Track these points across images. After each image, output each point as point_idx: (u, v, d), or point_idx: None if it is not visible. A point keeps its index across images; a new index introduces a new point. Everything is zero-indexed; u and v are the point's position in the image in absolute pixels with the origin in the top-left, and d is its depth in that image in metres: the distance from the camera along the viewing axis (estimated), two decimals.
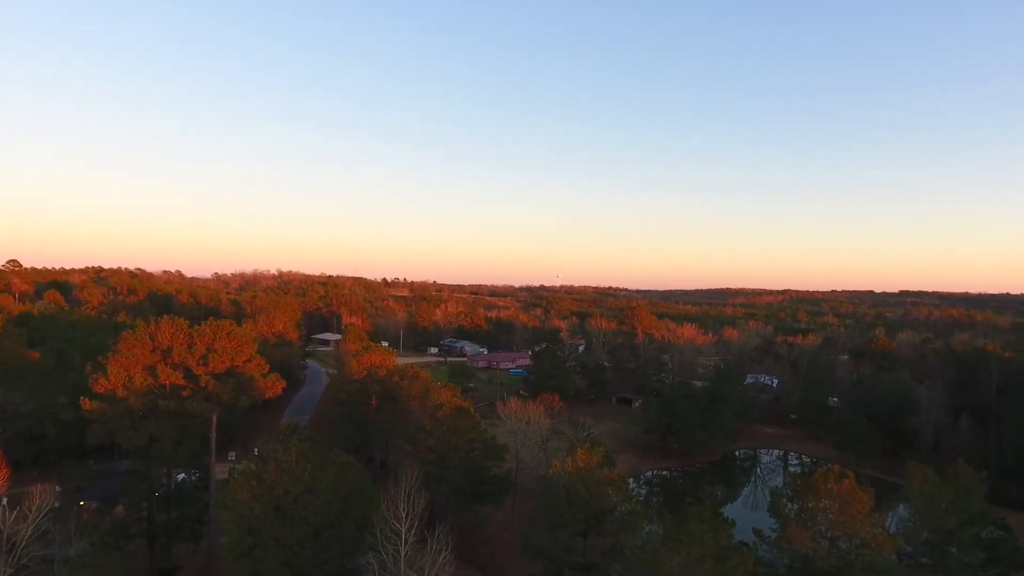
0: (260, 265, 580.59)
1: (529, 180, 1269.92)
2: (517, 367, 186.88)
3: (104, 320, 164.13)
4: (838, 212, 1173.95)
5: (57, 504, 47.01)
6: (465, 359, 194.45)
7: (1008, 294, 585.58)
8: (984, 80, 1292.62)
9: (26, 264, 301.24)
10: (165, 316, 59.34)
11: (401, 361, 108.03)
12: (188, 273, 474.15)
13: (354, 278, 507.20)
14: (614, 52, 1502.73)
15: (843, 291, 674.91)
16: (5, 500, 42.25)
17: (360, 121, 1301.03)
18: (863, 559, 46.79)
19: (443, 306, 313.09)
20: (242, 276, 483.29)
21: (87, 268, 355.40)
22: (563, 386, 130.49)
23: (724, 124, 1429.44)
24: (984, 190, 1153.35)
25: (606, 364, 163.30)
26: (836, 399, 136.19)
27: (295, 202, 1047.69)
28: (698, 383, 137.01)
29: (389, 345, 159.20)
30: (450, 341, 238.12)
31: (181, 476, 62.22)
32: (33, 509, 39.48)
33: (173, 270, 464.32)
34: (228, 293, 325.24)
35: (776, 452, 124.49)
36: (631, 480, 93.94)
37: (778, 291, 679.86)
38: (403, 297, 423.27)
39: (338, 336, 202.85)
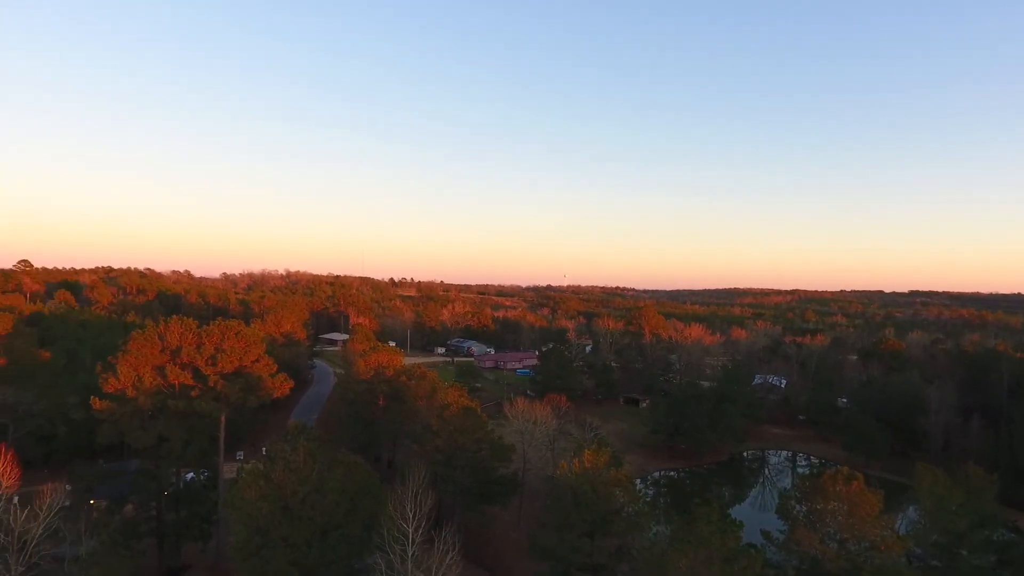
0: (268, 265, 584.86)
1: (536, 180, 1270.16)
2: (524, 367, 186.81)
3: (114, 320, 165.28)
4: (847, 212, 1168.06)
5: (68, 503, 47.34)
6: (472, 359, 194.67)
7: (1020, 294, 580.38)
8: (995, 78, 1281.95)
9: (37, 264, 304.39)
10: (174, 316, 59.68)
11: (408, 361, 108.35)
12: (197, 273, 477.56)
13: (361, 278, 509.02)
14: (620, 52, 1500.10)
15: (852, 291, 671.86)
16: (16, 499, 42.54)
17: (367, 121, 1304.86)
18: (872, 561, 46.44)
19: (450, 306, 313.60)
20: (250, 276, 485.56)
21: (97, 268, 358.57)
22: (570, 386, 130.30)
23: (732, 123, 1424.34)
24: (995, 189, 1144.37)
25: (613, 364, 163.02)
26: (845, 400, 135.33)
27: (302, 202, 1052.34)
28: (706, 383, 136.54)
29: (396, 345, 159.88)
30: (457, 341, 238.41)
31: (190, 475, 62.58)
32: (44, 508, 39.80)
33: (182, 270, 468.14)
34: (236, 293, 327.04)
35: (784, 453, 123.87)
36: (638, 481, 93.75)
37: (786, 291, 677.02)
38: (410, 297, 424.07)
39: (345, 336, 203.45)
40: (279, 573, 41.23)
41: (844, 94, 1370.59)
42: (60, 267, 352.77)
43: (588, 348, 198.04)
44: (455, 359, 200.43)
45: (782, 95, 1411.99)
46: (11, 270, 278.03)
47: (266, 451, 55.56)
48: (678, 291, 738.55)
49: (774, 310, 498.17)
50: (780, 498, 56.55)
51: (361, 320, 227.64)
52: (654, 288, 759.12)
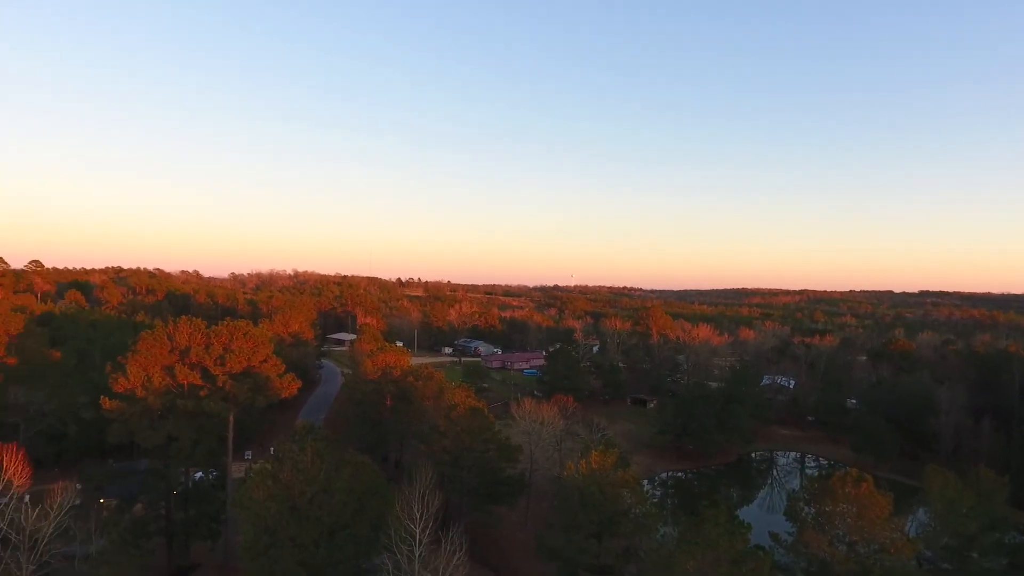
0: (276, 265, 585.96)
1: (543, 180, 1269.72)
2: (531, 367, 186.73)
3: (124, 320, 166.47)
4: (856, 211, 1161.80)
5: (78, 502, 47.71)
6: (479, 359, 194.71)
7: None
8: (1005, 77, 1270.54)
9: (48, 264, 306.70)
10: (183, 316, 59.97)
11: (415, 361, 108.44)
12: (205, 273, 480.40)
13: (369, 278, 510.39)
14: (626, 52, 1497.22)
15: (861, 291, 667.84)
16: (27, 498, 42.93)
17: (374, 122, 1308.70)
18: (882, 564, 46.14)
19: (457, 306, 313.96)
20: (258, 276, 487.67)
21: (107, 268, 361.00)
22: (577, 387, 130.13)
23: (740, 123, 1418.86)
24: (1006, 188, 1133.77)
25: (621, 365, 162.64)
26: (854, 401, 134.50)
27: (310, 202, 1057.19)
28: (714, 384, 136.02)
29: (403, 345, 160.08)
30: (464, 341, 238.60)
31: (199, 475, 62.90)
32: (55, 507, 40.14)
33: (191, 270, 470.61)
34: (245, 293, 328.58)
35: (793, 454, 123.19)
36: (646, 481, 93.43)
37: (795, 291, 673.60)
38: (417, 297, 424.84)
39: (353, 336, 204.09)
40: (287, 573, 41.38)
41: (852, 93, 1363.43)
42: (71, 267, 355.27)
43: (595, 348, 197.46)
44: (462, 359, 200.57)
45: (789, 94, 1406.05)
46: (23, 270, 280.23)
47: (274, 451, 55.72)
48: (685, 291, 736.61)
49: (782, 310, 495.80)
50: (788, 500, 56.32)
51: (368, 320, 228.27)
52: (661, 288, 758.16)
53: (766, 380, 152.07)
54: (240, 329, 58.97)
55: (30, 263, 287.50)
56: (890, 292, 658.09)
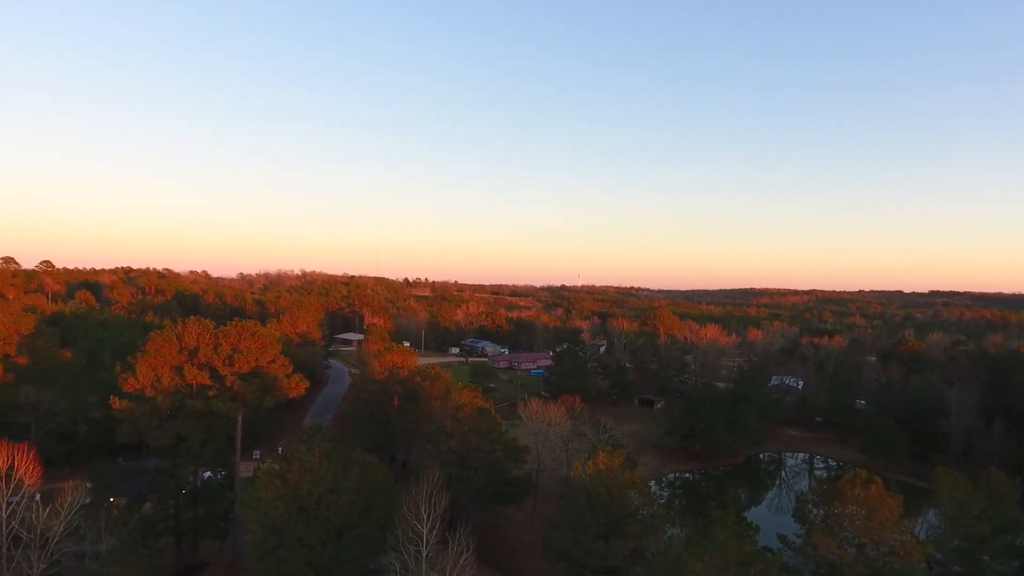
0: (284, 265, 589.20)
1: (551, 180, 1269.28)
2: (538, 368, 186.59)
3: (133, 320, 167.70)
4: (866, 210, 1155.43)
5: (88, 501, 48.10)
6: (486, 359, 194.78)
7: None
8: (1019, 75, 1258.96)
9: (58, 264, 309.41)
10: (192, 317, 60.31)
11: (422, 361, 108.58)
12: (214, 273, 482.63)
13: (376, 278, 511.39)
14: (635, 53, 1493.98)
15: (871, 291, 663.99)
16: (38, 497, 43.26)
17: (382, 122, 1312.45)
18: (892, 567, 45.79)
19: (464, 306, 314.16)
20: (266, 276, 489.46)
21: (117, 268, 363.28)
22: (584, 387, 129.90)
23: (749, 122, 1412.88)
24: (1017, 187, 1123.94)
25: (628, 365, 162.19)
26: (863, 402, 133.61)
27: (318, 203, 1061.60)
28: (721, 385, 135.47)
29: (411, 345, 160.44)
30: (471, 341, 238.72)
31: (207, 474, 63.22)
32: (65, 506, 40.45)
33: (199, 270, 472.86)
34: (253, 293, 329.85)
35: (801, 455, 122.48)
36: (653, 482, 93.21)
37: (804, 291, 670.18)
38: (424, 297, 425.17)
39: (360, 336, 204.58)
40: (295, 573, 41.54)
41: (859, 92, 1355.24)
42: (81, 267, 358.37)
43: (602, 349, 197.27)
44: (469, 359, 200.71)
45: (797, 93, 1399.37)
46: (34, 271, 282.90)
47: (282, 451, 55.97)
48: (693, 291, 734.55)
49: (791, 311, 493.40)
50: (797, 501, 55.93)
51: (376, 320, 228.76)
52: (669, 288, 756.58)
53: (774, 381, 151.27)
54: (248, 329, 59.25)
55: (41, 263, 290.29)
56: (900, 292, 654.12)
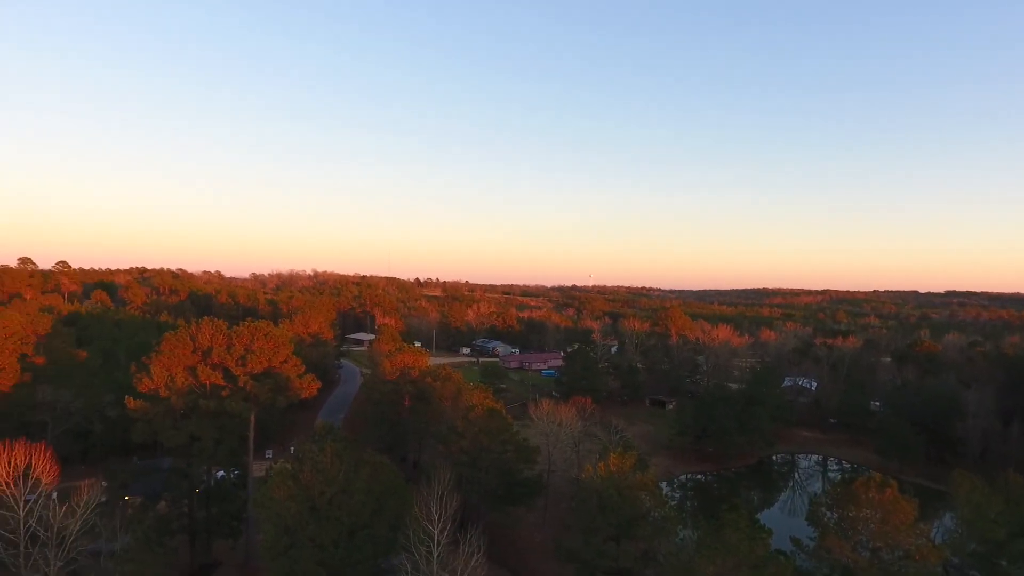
0: (296, 265, 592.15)
1: (562, 180, 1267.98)
2: (549, 368, 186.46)
3: (148, 320, 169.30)
4: (880, 209, 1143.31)
5: (104, 499, 48.55)
6: (497, 359, 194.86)
7: None
8: None
9: (74, 265, 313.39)
10: (205, 318, 60.81)
11: (433, 361, 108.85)
12: (227, 273, 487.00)
13: (387, 278, 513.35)
14: (646, 53, 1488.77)
15: (886, 291, 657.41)
16: (55, 495, 43.76)
17: (393, 123, 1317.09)
18: (907, 571, 45.25)
19: (475, 306, 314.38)
20: (279, 276, 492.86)
21: (131, 268, 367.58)
22: (595, 387, 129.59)
23: (762, 121, 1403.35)
24: None
25: (639, 365, 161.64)
26: (878, 403, 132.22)
27: (330, 203, 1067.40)
28: (734, 385, 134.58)
29: (422, 345, 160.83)
30: (482, 341, 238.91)
31: (220, 474, 63.72)
32: (81, 504, 40.89)
33: (213, 270, 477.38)
34: (265, 293, 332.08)
35: (815, 457, 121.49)
36: (664, 483, 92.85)
37: (817, 291, 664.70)
38: (435, 297, 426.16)
39: (372, 336, 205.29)
40: (307, 573, 41.73)
41: (874, 91, 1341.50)
42: (96, 268, 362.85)
43: (614, 349, 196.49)
44: (480, 359, 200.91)
45: (810, 92, 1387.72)
46: (50, 271, 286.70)
47: (294, 451, 56.28)
48: (705, 291, 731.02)
49: (804, 311, 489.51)
50: (810, 504, 55.41)
51: (387, 320, 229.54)
52: (680, 288, 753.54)
53: (787, 382, 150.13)
54: (261, 330, 59.65)
55: (57, 264, 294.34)
56: (915, 292, 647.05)
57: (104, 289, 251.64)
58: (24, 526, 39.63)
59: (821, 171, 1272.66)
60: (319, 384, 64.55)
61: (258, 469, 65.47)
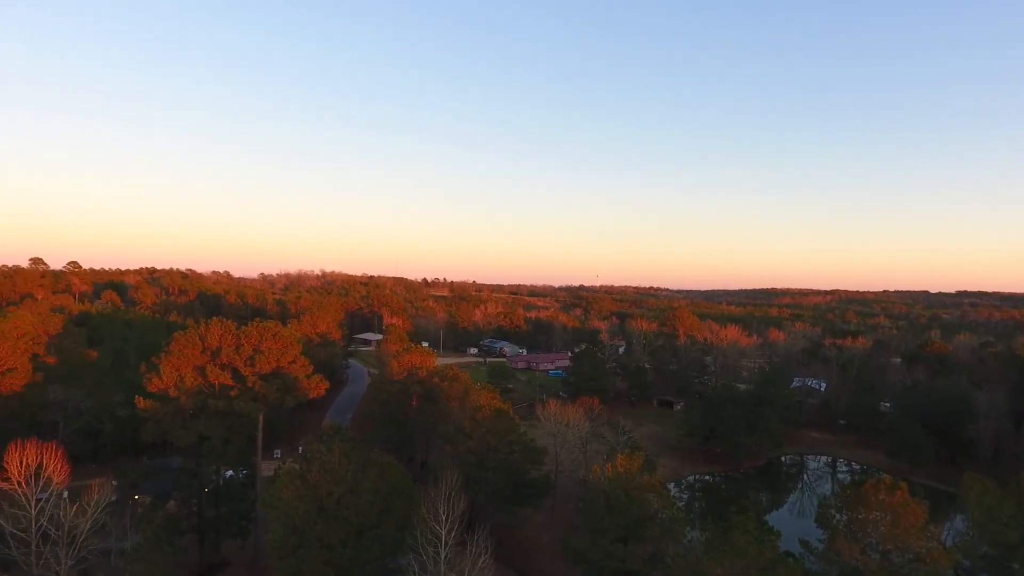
0: (304, 266, 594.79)
1: (569, 179, 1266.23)
2: (556, 368, 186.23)
3: (157, 320, 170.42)
4: (890, 209, 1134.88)
5: (114, 498, 48.87)
6: (504, 360, 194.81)
7: None
8: None
9: (85, 265, 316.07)
10: (214, 318, 61.16)
11: (441, 362, 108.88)
12: (236, 273, 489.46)
13: (395, 278, 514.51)
14: (654, 53, 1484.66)
15: (896, 291, 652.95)
16: (66, 494, 44.09)
17: (401, 123, 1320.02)
18: (917, 574, 44.92)
19: (482, 306, 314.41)
20: (287, 276, 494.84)
21: (141, 269, 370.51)
22: (603, 388, 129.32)
23: (771, 121, 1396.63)
24: None
25: (647, 366, 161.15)
26: (888, 404, 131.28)
27: (338, 203, 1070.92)
28: (742, 386, 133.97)
29: (429, 345, 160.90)
30: (489, 341, 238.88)
31: (229, 473, 64.05)
32: (92, 503, 41.19)
33: (222, 270, 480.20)
34: (274, 293, 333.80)
35: (824, 458, 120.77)
36: (672, 484, 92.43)
37: (826, 291, 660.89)
38: (443, 297, 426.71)
39: (380, 336, 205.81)
40: (315, 572, 41.87)
41: (883, 91, 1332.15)
42: (107, 268, 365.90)
43: (621, 349, 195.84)
44: (487, 359, 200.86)
45: (818, 92, 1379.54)
46: (61, 271, 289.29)
47: (302, 451, 56.45)
48: (713, 291, 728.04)
49: (813, 311, 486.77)
50: (820, 506, 55.08)
51: (395, 320, 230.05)
52: (688, 288, 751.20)
53: (796, 382, 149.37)
54: (269, 330, 59.94)
55: (68, 264, 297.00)
56: (926, 292, 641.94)
57: (114, 289, 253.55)
58: (36, 525, 39.99)
59: (830, 170, 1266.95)
60: (327, 384, 64.83)
61: (266, 469, 65.78)
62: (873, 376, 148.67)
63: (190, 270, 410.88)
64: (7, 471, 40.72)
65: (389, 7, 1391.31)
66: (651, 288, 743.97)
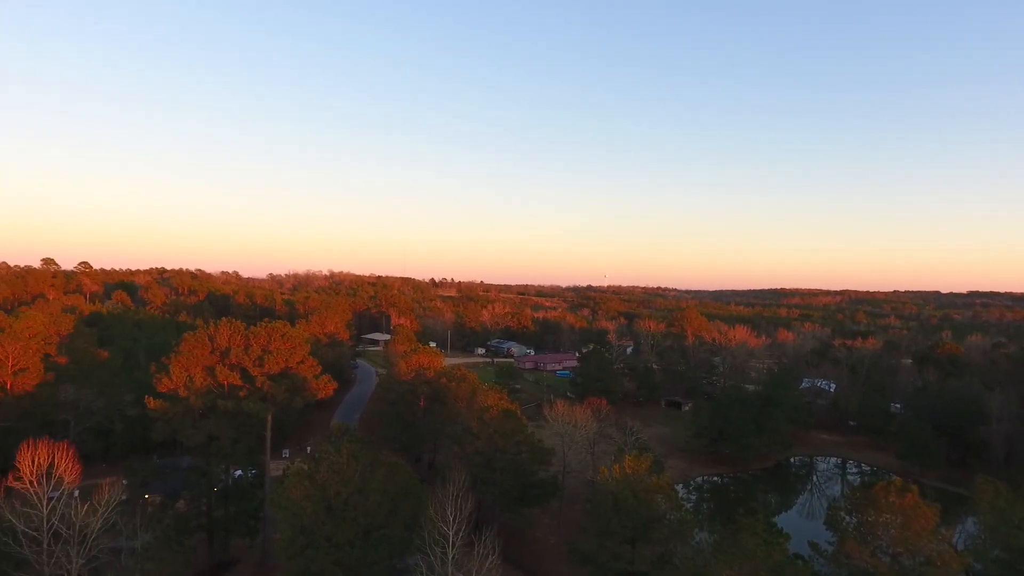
0: (312, 266, 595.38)
1: (577, 179, 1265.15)
2: (564, 368, 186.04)
3: (167, 320, 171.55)
4: (901, 208, 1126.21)
5: (124, 497, 49.20)
6: (512, 360, 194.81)
7: None
8: None
9: (96, 266, 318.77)
10: (223, 318, 61.53)
11: (448, 362, 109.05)
12: (245, 274, 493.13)
13: (403, 278, 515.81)
14: (660, 54, 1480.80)
15: (906, 291, 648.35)
16: (77, 493, 44.42)
17: (408, 124, 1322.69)
18: None
19: (490, 307, 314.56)
20: (295, 276, 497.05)
21: (151, 269, 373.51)
22: (611, 388, 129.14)
23: (777, 120, 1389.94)
24: None
25: (655, 366, 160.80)
26: (898, 405, 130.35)
27: (346, 204, 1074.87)
28: (751, 387, 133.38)
29: (437, 346, 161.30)
30: (497, 342, 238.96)
31: (238, 473, 64.38)
32: (103, 503, 41.47)
33: (231, 271, 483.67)
34: (282, 293, 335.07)
35: (834, 460, 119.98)
36: (680, 486, 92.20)
37: (836, 291, 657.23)
38: (450, 297, 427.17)
39: (387, 336, 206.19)
40: (323, 572, 42.01)
41: (891, 92, 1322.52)
42: (117, 268, 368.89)
43: (629, 350, 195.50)
44: (495, 360, 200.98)
45: (827, 91, 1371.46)
46: (72, 271, 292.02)
47: (311, 451, 56.70)
48: (721, 291, 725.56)
49: (822, 311, 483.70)
50: (829, 508, 54.75)
51: (402, 321, 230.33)
52: (697, 288, 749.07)
53: (805, 383, 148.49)
54: (278, 330, 60.21)
55: (79, 264, 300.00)
56: (937, 292, 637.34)
57: (125, 289, 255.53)
58: (47, 524, 40.28)
59: (841, 170, 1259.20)
60: (335, 384, 65.03)
61: (275, 469, 66.07)
62: (883, 377, 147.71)
63: (199, 270, 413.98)
64: (19, 470, 41.07)
65: (389, 7, 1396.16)
66: (659, 288, 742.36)
